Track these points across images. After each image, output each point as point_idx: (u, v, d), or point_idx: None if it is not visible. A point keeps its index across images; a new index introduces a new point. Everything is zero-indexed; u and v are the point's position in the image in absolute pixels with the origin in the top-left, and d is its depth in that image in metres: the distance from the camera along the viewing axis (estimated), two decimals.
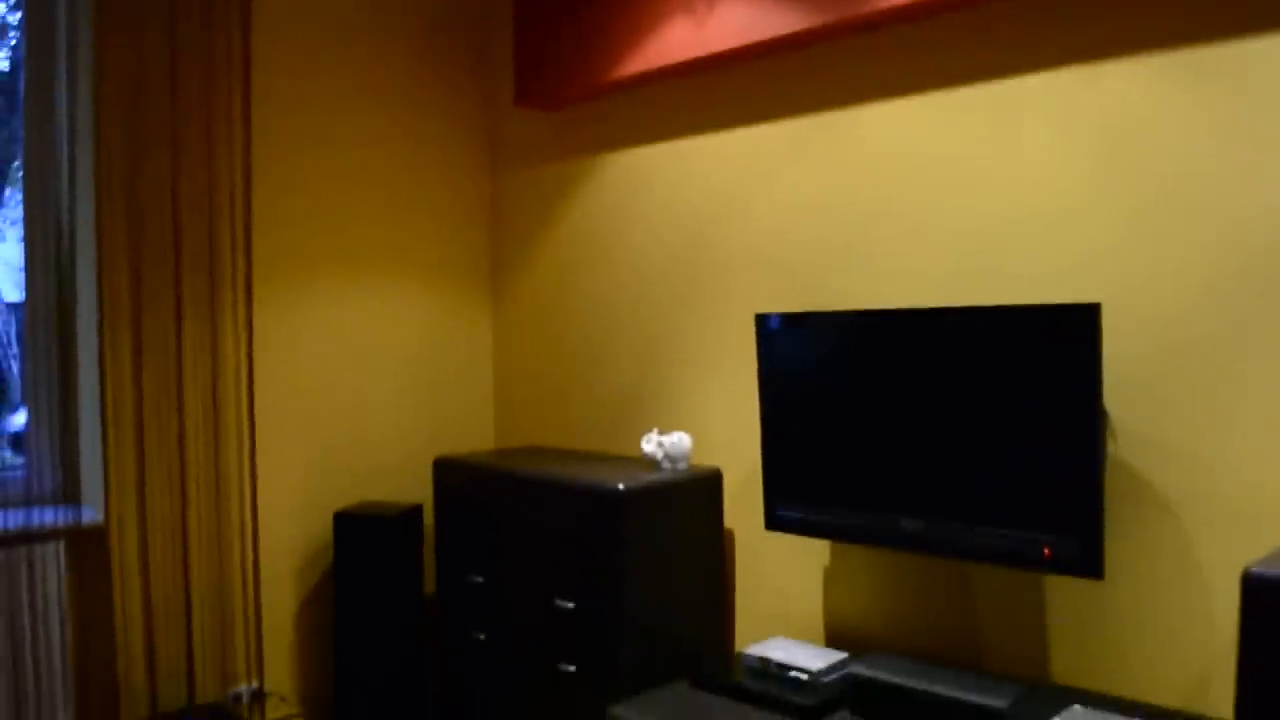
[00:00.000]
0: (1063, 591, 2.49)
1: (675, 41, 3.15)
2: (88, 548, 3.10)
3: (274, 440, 3.48)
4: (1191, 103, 2.25)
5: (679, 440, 3.14)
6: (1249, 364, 2.18)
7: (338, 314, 3.66)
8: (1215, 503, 2.24)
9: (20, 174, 3.19)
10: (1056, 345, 2.26)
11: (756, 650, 2.80)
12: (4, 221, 3.40)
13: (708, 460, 3.31)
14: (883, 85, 2.82)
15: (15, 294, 3.35)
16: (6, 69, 3.31)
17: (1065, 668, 2.49)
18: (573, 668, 3.00)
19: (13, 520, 2.96)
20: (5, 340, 3.35)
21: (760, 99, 3.13)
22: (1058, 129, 2.47)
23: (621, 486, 2.88)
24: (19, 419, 3.31)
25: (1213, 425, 2.24)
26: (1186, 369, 2.27)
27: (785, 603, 3.10)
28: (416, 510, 3.49)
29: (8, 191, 3.37)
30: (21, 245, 3.12)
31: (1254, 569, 1.72)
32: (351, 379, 3.70)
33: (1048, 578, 2.52)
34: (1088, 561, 2.22)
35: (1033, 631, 2.55)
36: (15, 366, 3.34)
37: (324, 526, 3.62)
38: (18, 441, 3.33)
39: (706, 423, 3.32)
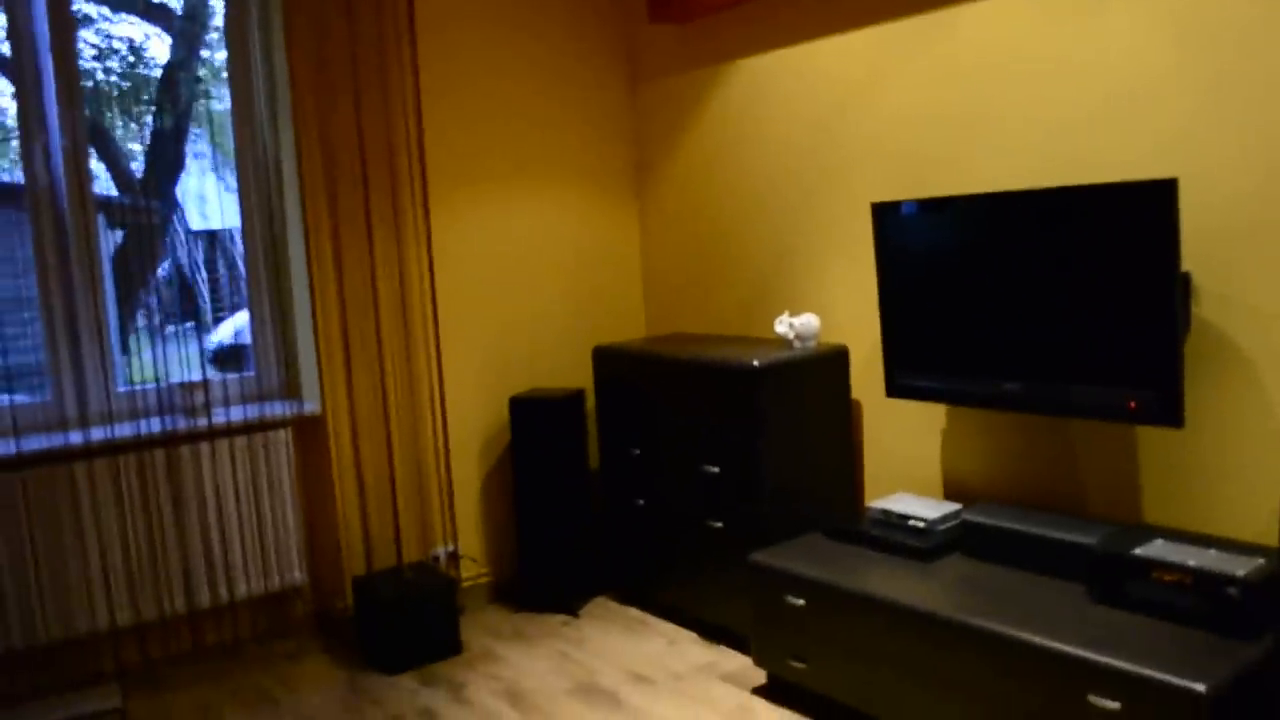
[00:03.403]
0: (1153, 442, 2.76)
1: None
2: (310, 433, 3.70)
3: (455, 337, 3.99)
4: None
5: (808, 321, 3.48)
6: None
7: (503, 222, 4.11)
8: None
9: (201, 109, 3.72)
10: (1139, 218, 2.49)
11: (880, 504, 3.17)
12: (195, 158, 3.89)
13: (835, 339, 3.64)
14: None
15: (201, 222, 3.86)
16: (180, 13, 3.78)
17: (1156, 511, 2.77)
18: (720, 524, 3.44)
19: (250, 413, 3.57)
20: (196, 265, 3.87)
21: (873, 0, 3.37)
22: (1151, 17, 2.65)
23: (756, 363, 3.26)
24: (216, 336, 3.86)
25: None
26: (1265, 236, 2.47)
27: (908, 463, 3.44)
28: (579, 394, 3.95)
29: (193, 128, 3.87)
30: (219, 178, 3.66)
31: None
32: (517, 279, 4.17)
33: (1139, 430, 2.79)
34: (1168, 412, 2.49)
35: (1126, 479, 2.83)
36: (206, 290, 3.87)
37: (500, 411, 4.14)
38: (217, 357, 3.88)
39: (833, 305, 3.65)
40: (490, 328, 4.10)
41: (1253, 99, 2.46)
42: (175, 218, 3.84)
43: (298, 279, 3.65)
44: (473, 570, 4.07)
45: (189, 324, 3.74)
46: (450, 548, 3.94)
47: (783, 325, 3.51)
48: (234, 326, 3.90)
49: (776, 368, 3.30)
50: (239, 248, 3.75)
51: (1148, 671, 2.14)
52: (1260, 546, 2.48)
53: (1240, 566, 2.30)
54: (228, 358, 3.86)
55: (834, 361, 3.48)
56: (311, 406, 3.66)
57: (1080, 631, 2.35)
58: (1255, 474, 2.56)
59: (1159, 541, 2.52)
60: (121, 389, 3.48)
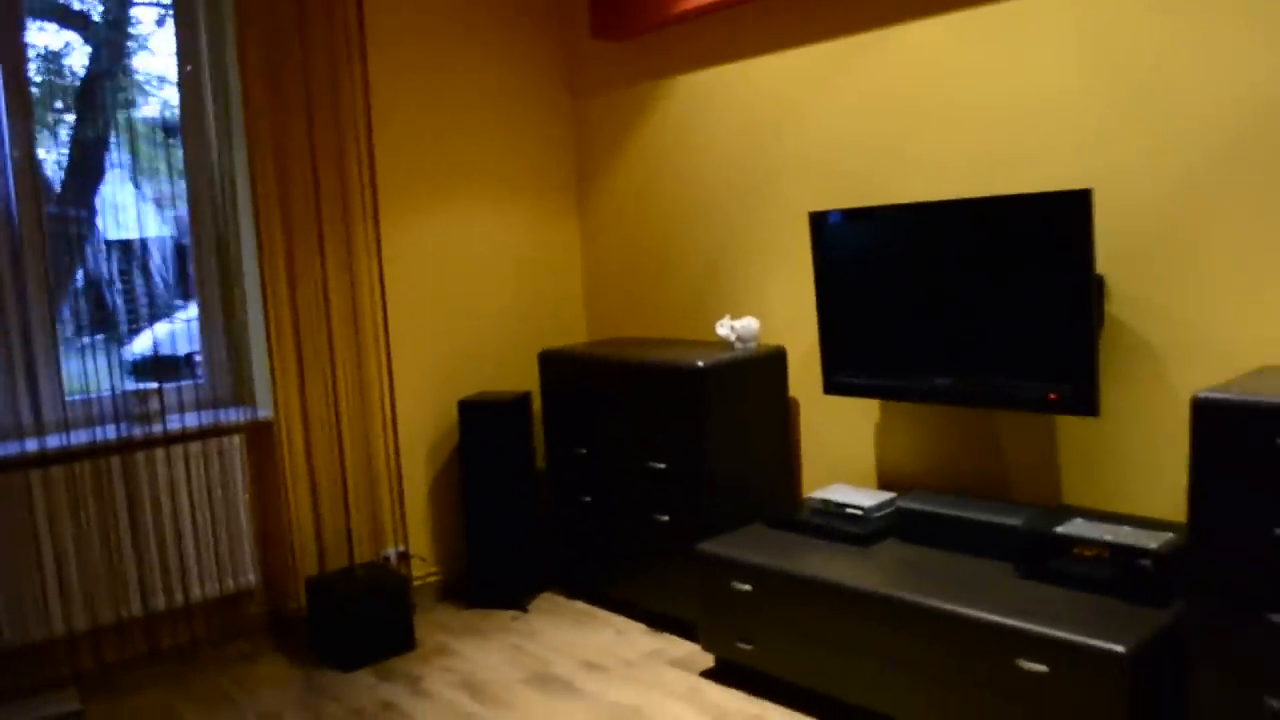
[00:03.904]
0: (1071, 431, 2.99)
1: None
2: (262, 438, 3.76)
3: (405, 343, 4.09)
4: (1170, 10, 2.66)
5: (748, 324, 3.66)
6: (1222, 235, 2.62)
7: (451, 232, 4.22)
8: (1195, 350, 2.70)
9: (128, 118, 3.72)
10: (1058, 225, 2.71)
11: (820, 494, 3.35)
12: (111, 167, 3.80)
13: (773, 340, 3.83)
14: (910, 8, 3.24)
15: (119, 231, 3.77)
16: (100, 20, 3.75)
17: (1075, 493, 3.00)
18: (666, 517, 3.60)
19: (203, 419, 3.62)
20: (111, 276, 3.76)
21: (807, 23, 3.56)
22: (1061, 41, 2.89)
23: (701, 364, 3.42)
24: (136, 347, 3.80)
25: (1192, 286, 2.69)
26: (1171, 240, 2.71)
27: (843, 456, 3.64)
28: (526, 396, 4.07)
29: (113, 136, 3.79)
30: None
31: (1200, 394, 2.21)
32: (465, 288, 4.28)
33: (1059, 419, 3.01)
34: (1084, 403, 2.71)
35: (1047, 465, 3.05)
36: (121, 301, 3.75)
37: (449, 414, 4.24)
38: (140, 367, 3.84)
39: (771, 308, 3.84)
40: (439, 334, 4.20)
41: (1160, 116, 2.70)
42: (94, 227, 3.77)
43: (250, 287, 3.72)
44: (422, 569, 4.16)
45: (104, 334, 3.67)
46: (401, 548, 4.02)
47: (724, 328, 3.68)
48: (154, 336, 3.87)
49: (719, 368, 3.47)
50: (156, 258, 3.76)
51: (1071, 636, 2.35)
52: (1169, 523, 2.71)
53: (1152, 541, 2.53)
54: (150, 368, 3.82)
55: (773, 362, 3.66)
56: (264, 412, 3.73)
57: (1009, 603, 2.55)
58: (1163, 457, 2.80)
59: (1078, 521, 2.75)
60: (76, 397, 3.50)
